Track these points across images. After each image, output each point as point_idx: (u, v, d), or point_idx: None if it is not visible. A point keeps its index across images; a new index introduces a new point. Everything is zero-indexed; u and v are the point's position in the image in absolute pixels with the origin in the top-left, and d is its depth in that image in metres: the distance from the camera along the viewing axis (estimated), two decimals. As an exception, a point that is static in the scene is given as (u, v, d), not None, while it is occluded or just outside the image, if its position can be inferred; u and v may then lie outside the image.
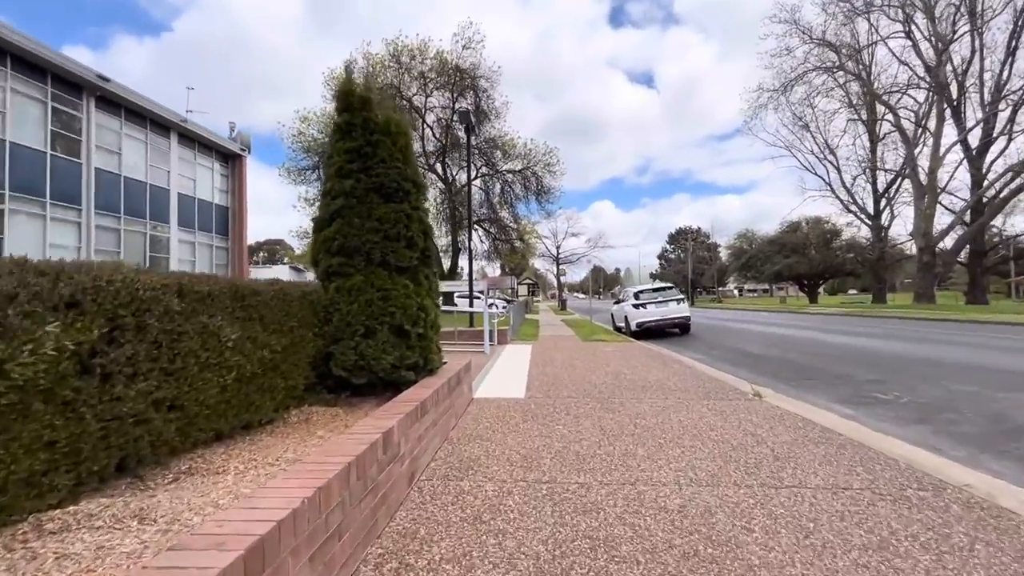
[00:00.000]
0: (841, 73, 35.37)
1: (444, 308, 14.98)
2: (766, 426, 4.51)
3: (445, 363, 5.54)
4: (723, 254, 71.77)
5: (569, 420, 4.81)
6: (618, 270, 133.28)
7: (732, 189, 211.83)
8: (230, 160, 26.00)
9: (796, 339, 13.07)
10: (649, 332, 14.92)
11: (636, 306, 15.14)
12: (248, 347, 3.21)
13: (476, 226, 25.26)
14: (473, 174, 23.94)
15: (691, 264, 59.78)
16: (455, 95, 20.42)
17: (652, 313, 14.89)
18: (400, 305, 4.34)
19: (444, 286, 16.52)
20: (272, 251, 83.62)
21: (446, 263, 24.33)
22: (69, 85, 17.43)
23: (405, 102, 20.66)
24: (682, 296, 15.65)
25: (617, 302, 18.02)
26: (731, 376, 7.44)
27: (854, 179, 37.61)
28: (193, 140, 23.44)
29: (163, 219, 21.56)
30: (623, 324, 16.26)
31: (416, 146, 23.14)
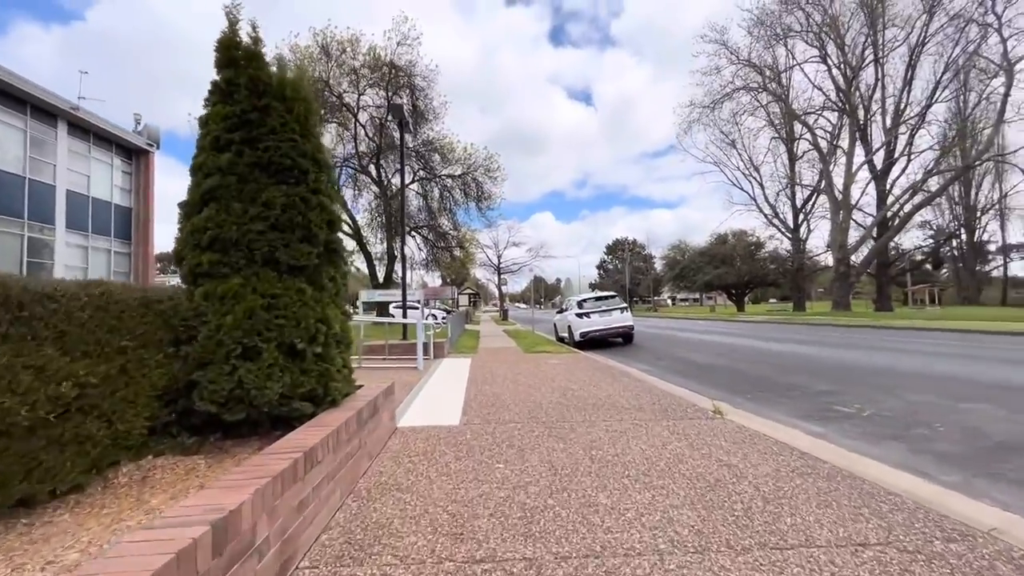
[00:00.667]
0: (764, 93, 37.49)
1: (377, 320, 13.73)
2: (739, 453, 3.87)
3: (360, 387, 4.55)
4: (658, 265, 74.29)
5: (512, 455, 3.95)
6: (559, 280, 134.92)
7: (664, 204, 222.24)
8: (135, 156, 23.26)
9: (739, 348, 13.01)
10: (593, 342, 14.43)
11: (580, 315, 14.63)
12: (25, 381, 2.10)
13: (414, 233, 24.06)
14: (410, 178, 22.79)
15: (628, 274, 61.24)
16: (390, 93, 19.26)
17: (596, 322, 14.43)
18: (293, 316, 3.33)
19: (377, 295, 15.31)
20: (191, 259, 77.06)
21: (381, 272, 22.90)
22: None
23: (335, 98, 19.24)
24: (626, 305, 15.34)
25: (560, 311, 17.50)
26: (684, 390, 6.91)
27: (777, 194, 39.95)
28: (87, 131, 20.67)
29: (47, 219, 18.70)
30: (566, 334, 15.70)
31: (348, 147, 21.73)
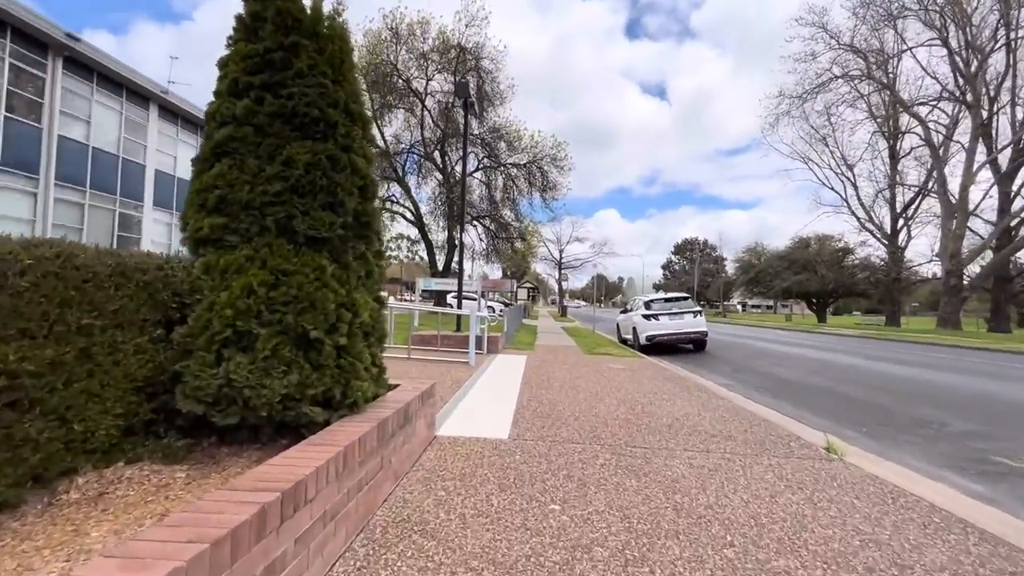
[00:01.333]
0: (865, 84, 33.77)
1: (433, 308, 13.28)
2: (885, 522, 2.82)
3: (395, 386, 3.88)
4: (729, 268, 70.09)
5: (571, 490, 3.12)
6: (621, 279, 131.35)
7: (738, 204, 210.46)
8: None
9: (834, 364, 11.36)
10: (660, 347, 13.23)
11: (647, 317, 13.45)
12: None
13: (475, 222, 23.63)
14: (474, 165, 22.33)
15: (697, 276, 58.05)
16: (457, 77, 18.75)
17: (665, 325, 13.20)
18: (306, 297, 2.67)
19: (434, 284, 14.89)
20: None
21: (440, 260, 22.67)
22: (32, 42, 15.84)
23: (403, 83, 19.07)
24: (699, 308, 13.96)
25: (624, 311, 16.34)
26: (777, 414, 5.75)
27: (876, 194, 35.97)
28: (175, 114, 21.85)
29: (136, 197, 19.93)
30: (630, 336, 14.57)
31: (415, 134, 21.54)
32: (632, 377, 8.18)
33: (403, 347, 9.46)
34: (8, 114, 15.21)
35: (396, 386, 3.92)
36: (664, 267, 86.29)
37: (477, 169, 22.14)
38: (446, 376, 7.20)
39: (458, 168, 22.13)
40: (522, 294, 45.26)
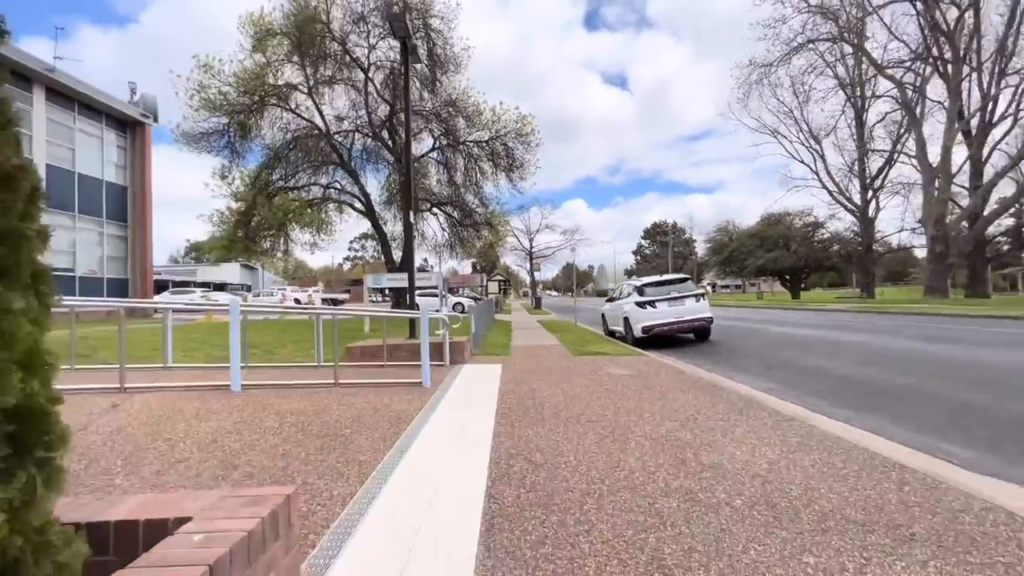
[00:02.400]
0: (834, 50, 32.66)
1: (376, 313, 10.77)
2: None
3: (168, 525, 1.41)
4: (700, 249, 69.50)
5: None
6: (591, 267, 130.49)
7: (701, 188, 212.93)
8: (129, 128, 21.00)
9: (879, 350, 9.44)
10: (657, 338, 11.13)
11: (641, 304, 11.31)
12: None
13: (435, 209, 21.07)
14: (429, 144, 19.73)
15: (671, 259, 56.87)
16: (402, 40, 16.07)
17: (663, 313, 11.08)
18: None
19: (385, 280, 12.39)
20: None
21: (397, 255, 20.05)
22: None
23: (338, 46, 16.30)
24: (703, 291, 11.93)
25: (610, 300, 14.20)
26: (925, 456, 3.61)
27: (852, 163, 35.04)
28: (71, 99, 18.44)
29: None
30: (620, 328, 12.43)
31: (360, 113, 18.74)
32: (647, 389, 5.95)
33: (329, 365, 7.01)
34: None
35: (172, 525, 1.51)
36: (635, 252, 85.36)
37: (433, 149, 19.54)
38: (382, 415, 4.80)
39: (414, 148, 19.52)
40: (493, 288, 42.95)
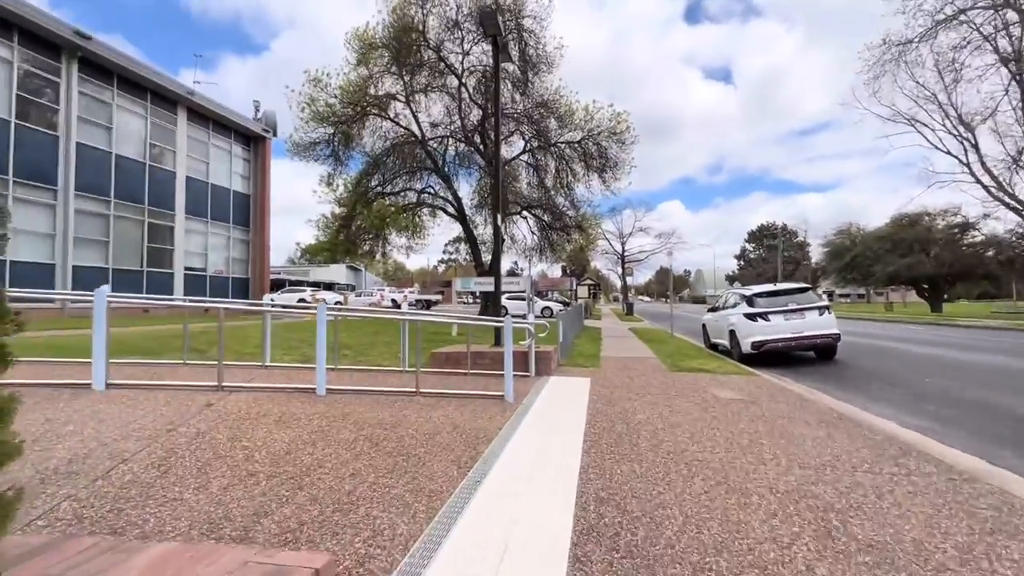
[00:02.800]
0: (994, 18, 27.64)
1: (471, 321, 10.62)
2: None
3: None
4: (814, 254, 62.73)
5: None
6: (687, 272, 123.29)
7: (815, 187, 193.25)
8: (252, 142, 23.24)
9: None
10: (768, 355, 9.82)
11: (752, 316, 10.06)
12: None
13: (525, 212, 20.85)
14: (521, 146, 19.55)
15: (780, 264, 51.82)
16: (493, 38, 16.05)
17: (778, 327, 9.76)
18: None
19: (473, 284, 12.28)
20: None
21: (487, 258, 20.10)
22: (41, 43, 14.88)
23: (432, 53, 16.65)
24: (827, 303, 10.36)
25: (713, 309, 12.92)
26: None
27: (1018, 153, 29.39)
28: (207, 118, 20.78)
29: (167, 205, 18.91)
30: (724, 341, 11.22)
31: (454, 119, 19.03)
32: (764, 420, 5.05)
33: (424, 371, 6.87)
34: (20, 121, 14.28)
35: None
36: (738, 256, 79.30)
37: (524, 152, 19.34)
38: (460, 433, 4.46)
39: (504, 151, 19.49)
40: (582, 292, 41.99)
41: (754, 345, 9.82)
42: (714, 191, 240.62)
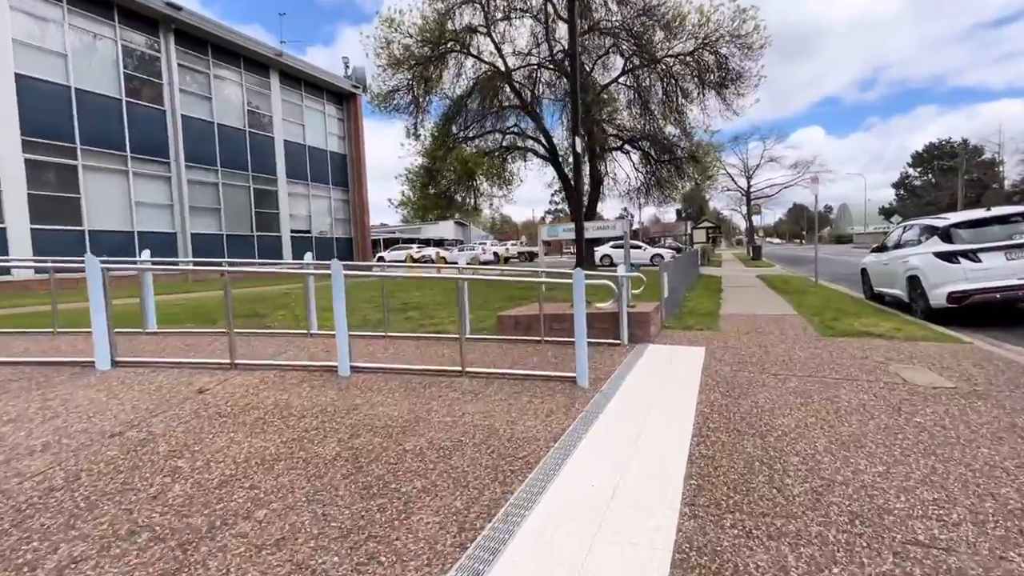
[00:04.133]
0: None
1: (526, 279, 8.97)
2: None
3: None
4: (1012, 173, 49.67)
5: None
6: (828, 208, 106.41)
7: (1010, 92, 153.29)
8: (344, 101, 23.10)
9: None
10: (971, 310, 6.90)
11: (949, 256, 7.10)
12: None
13: (628, 147, 18.17)
14: (619, 65, 16.73)
15: (962, 188, 41.62)
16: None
17: (994, 271, 6.75)
18: None
19: (561, 230, 10.59)
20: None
21: (586, 202, 18.02)
22: (140, 19, 15.40)
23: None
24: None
25: (879, 249, 9.77)
26: None
27: None
28: (298, 79, 20.85)
29: (269, 171, 19.51)
30: (897, 290, 8.36)
31: (543, 48, 16.72)
32: (1015, 434, 2.86)
33: (483, 339, 5.56)
34: (130, 99, 15.11)
35: None
36: (896, 185, 66.04)
37: (624, 73, 16.51)
38: (492, 446, 3.00)
39: (598, 76, 16.85)
40: (699, 236, 37.70)
41: (952, 297, 6.93)
42: (866, 110, 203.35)
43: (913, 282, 7.80)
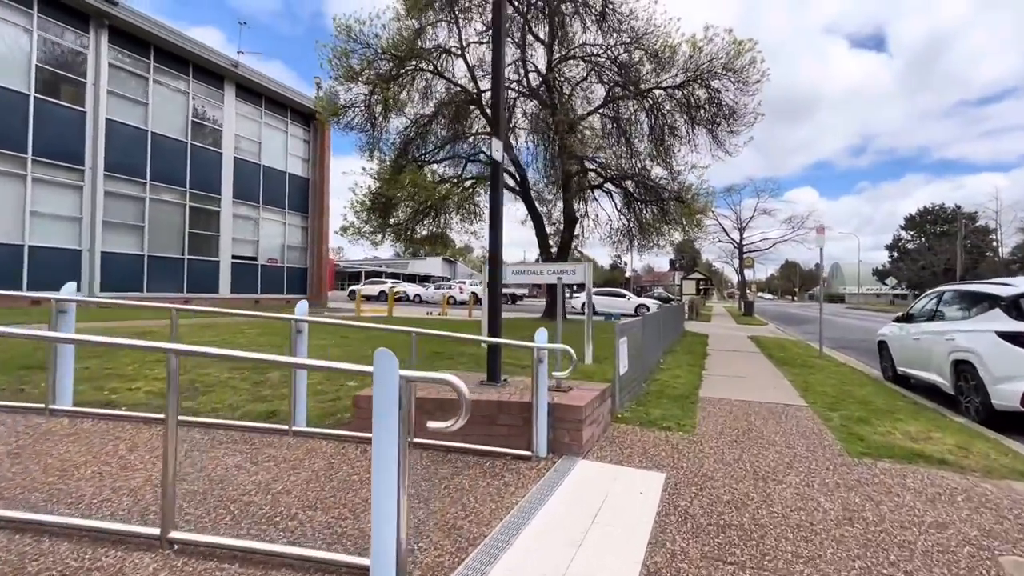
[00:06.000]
0: None
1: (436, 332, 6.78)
2: None
3: None
4: (1009, 242, 48.93)
5: None
6: (817, 267, 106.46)
7: (994, 166, 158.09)
8: (311, 122, 21.45)
9: None
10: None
11: (1020, 338, 5.01)
12: None
13: (608, 187, 16.41)
14: (600, 95, 15.13)
15: (961, 253, 40.36)
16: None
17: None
18: None
19: (511, 272, 8.55)
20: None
21: (554, 240, 16.06)
22: (67, 11, 13.72)
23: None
24: None
25: (905, 318, 7.72)
26: None
27: None
28: (258, 94, 19.21)
29: (211, 188, 17.51)
30: (931, 375, 6.28)
31: (517, 67, 15.22)
32: None
33: (309, 434, 3.35)
34: (41, 95, 13.23)
35: None
36: (890, 247, 65.28)
37: (605, 103, 14.94)
38: None
39: (575, 103, 15.24)
40: (689, 288, 35.98)
41: (1029, 397, 4.81)
42: (857, 175, 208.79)
43: (962, 369, 5.69)
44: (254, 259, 19.01)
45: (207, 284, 17.02)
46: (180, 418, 4.05)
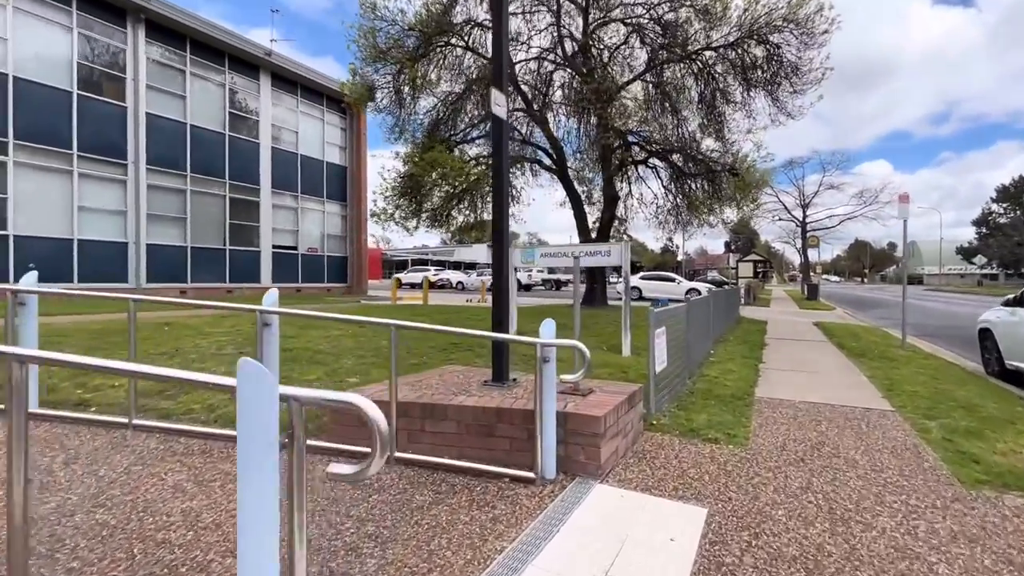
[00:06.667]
0: None
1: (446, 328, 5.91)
2: None
3: None
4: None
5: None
6: (891, 245, 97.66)
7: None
8: (348, 109, 21.25)
9: None
10: None
11: None
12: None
13: (652, 162, 15.13)
14: (643, 60, 13.83)
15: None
16: None
17: None
18: None
19: (540, 254, 7.79)
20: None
21: (591, 216, 15.00)
22: (104, 7, 13.94)
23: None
24: None
25: (1017, 302, 6.34)
26: None
27: None
28: (293, 83, 19.16)
29: (250, 179, 17.66)
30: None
31: (550, 32, 14.18)
32: None
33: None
34: (83, 92, 13.55)
35: None
36: (979, 222, 58.90)
37: (648, 69, 13.63)
38: None
39: (614, 70, 14.03)
40: (746, 270, 33.68)
41: None
42: (938, 145, 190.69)
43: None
44: (294, 248, 19.16)
45: (249, 274, 17.26)
46: (137, 422, 3.63)
